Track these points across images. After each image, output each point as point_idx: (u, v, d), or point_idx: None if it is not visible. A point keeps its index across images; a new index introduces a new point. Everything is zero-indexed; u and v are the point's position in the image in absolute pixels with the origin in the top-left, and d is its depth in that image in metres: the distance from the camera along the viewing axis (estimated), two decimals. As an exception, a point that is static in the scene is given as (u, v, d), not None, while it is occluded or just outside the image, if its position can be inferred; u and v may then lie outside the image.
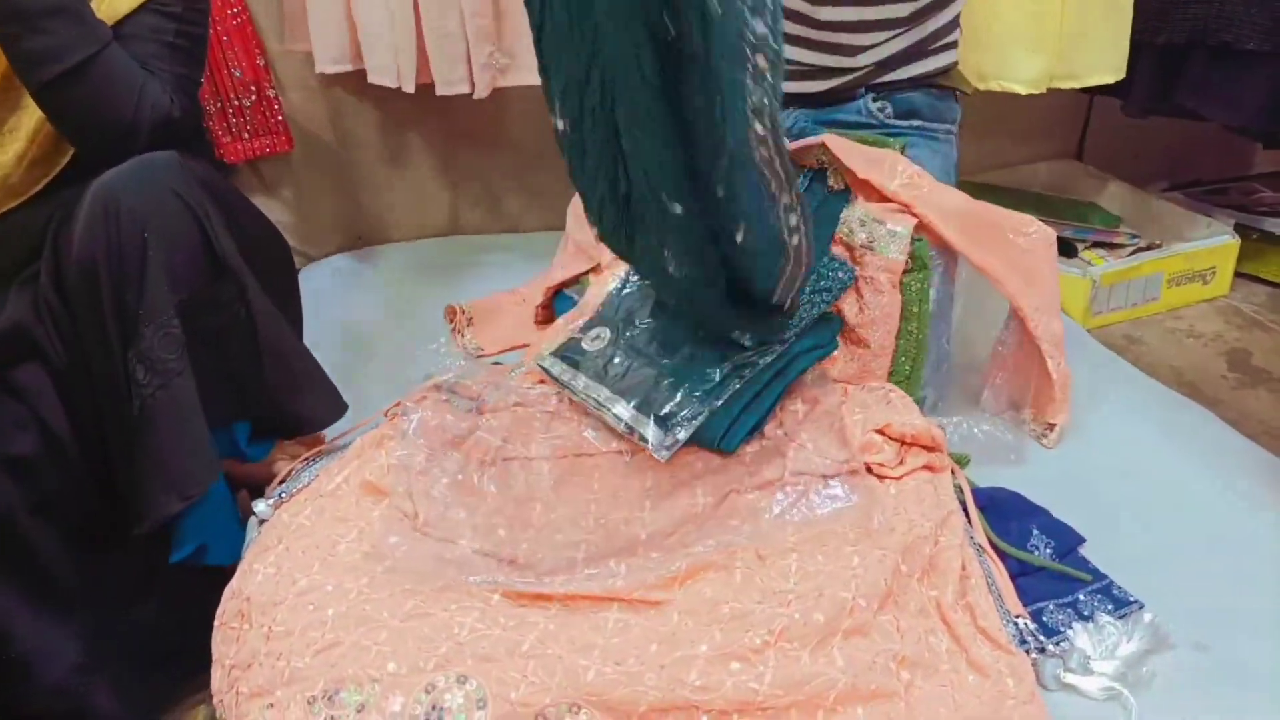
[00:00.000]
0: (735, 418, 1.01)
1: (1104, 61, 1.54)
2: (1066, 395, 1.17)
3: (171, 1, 1.04)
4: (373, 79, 1.53)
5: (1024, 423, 1.20)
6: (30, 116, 1.02)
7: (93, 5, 1.00)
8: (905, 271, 1.14)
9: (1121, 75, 1.53)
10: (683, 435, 0.99)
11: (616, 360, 1.08)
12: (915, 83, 1.28)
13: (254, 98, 1.53)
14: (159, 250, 0.93)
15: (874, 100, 1.27)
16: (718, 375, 1.02)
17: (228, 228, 0.99)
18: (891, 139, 1.22)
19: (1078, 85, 1.57)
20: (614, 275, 1.22)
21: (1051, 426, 1.17)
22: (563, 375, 1.10)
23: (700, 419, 1.00)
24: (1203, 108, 1.59)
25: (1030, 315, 1.14)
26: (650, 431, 1.00)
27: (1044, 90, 1.52)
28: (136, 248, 0.92)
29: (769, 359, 1.04)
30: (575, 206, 1.42)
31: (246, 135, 1.55)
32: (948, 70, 1.30)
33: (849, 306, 1.15)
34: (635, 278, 1.18)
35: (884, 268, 1.13)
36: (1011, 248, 1.16)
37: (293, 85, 1.61)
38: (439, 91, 1.53)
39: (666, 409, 1.01)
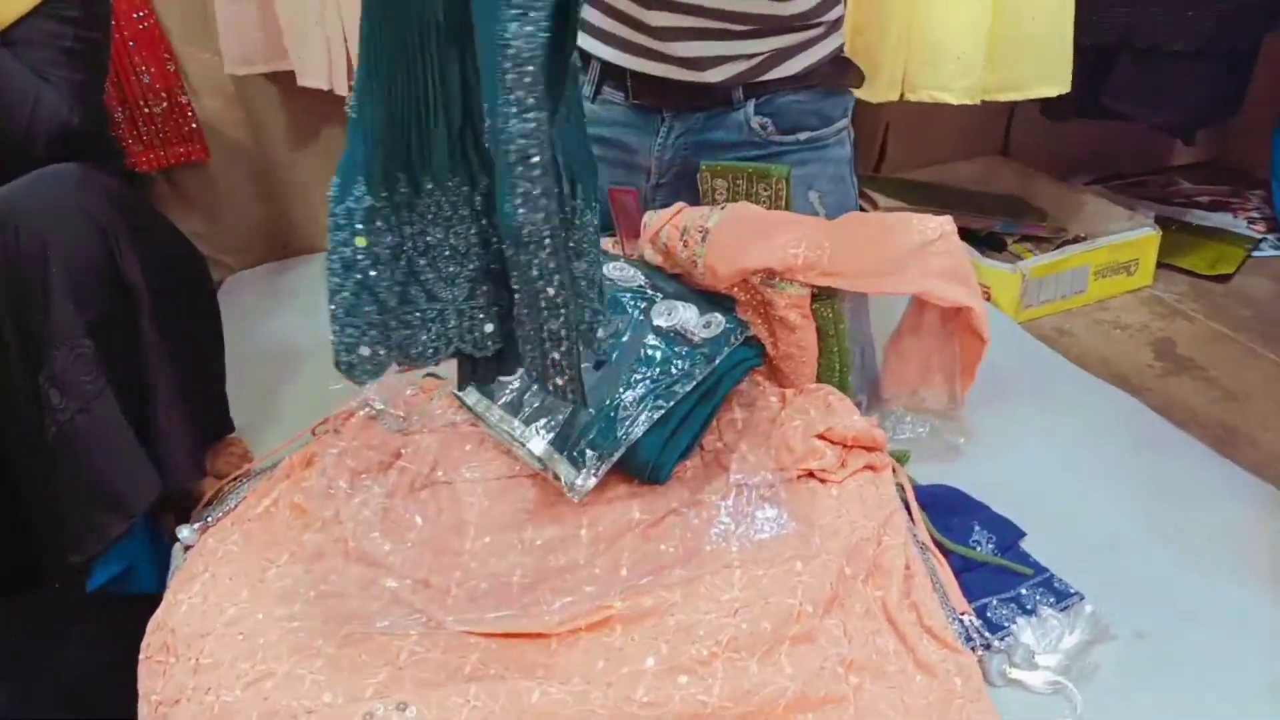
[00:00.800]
0: (664, 445, 0.99)
1: (1048, 73, 1.49)
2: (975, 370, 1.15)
3: (67, 5, 0.98)
4: (303, 82, 1.48)
5: (924, 403, 1.18)
6: None
7: None
8: (814, 299, 1.10)
9: (1066, 88, 1.49)
10: (596, 478, 0.97)
11: (533, 390, 1.05)
12: (798, 82, 1.20)
13: (165, 104, 1.47)
14: (61, 268, 0.88)
15: (755, 115, 1.21)
16: (635, 405, 1.00)
17: (134, 245, 0.94)
18: (773, 167, 1.16)
19: (1019, 97, 1.53)
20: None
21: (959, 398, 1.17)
22: (477, 405, 1.07)
23: (617, 455, 0.98)
24: (1131, 110, 1.63)
25: (976, 308, 1.09)
26: (564, 470, 0.98)
27: (978, 101, 1.50)
28: (38, 266, 0.87)
29: (691, 385, 1.01)
30: None
31: (159, 144, 1.48)
32: (834, 58, 1.22)
33: (767, 344, 1.12)
34: None
35: (792, 305, 1.09)
36: (931, 258, 1.09)
37: (206, 90, 1.54)
38: None
39: (581, 445, 0.99)
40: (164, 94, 1.47)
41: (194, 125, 1.51)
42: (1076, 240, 1.69)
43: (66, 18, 1.00)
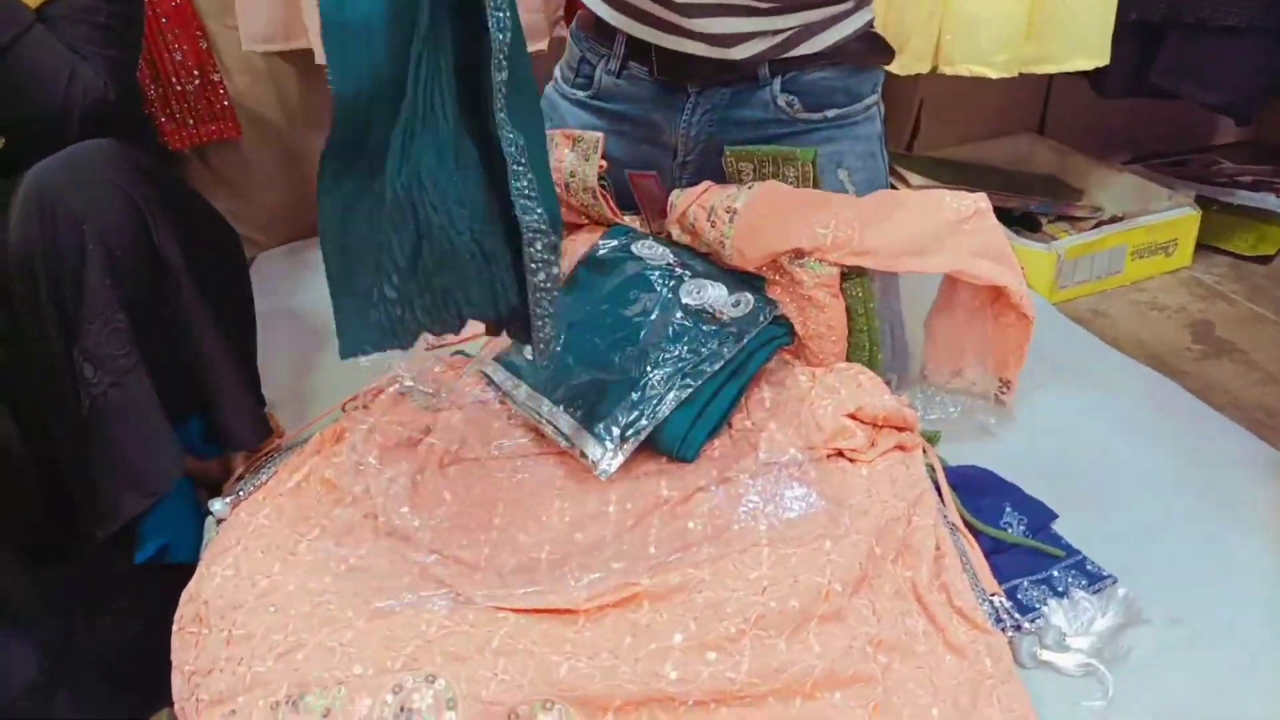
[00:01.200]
0: (692, 423, 0.99)
1: (1084, 45, 1.46)
2: (1025, 352, 1.13)
3: None
4: (321, 60, 1.48)
5: (972, 385, 1.18)
6: None
7: None
8: (844, 278, 1.08)
9: (1105, 60, 1.47)
10: (623, 456, 0.97)
11: (563, 369, 1.04)
12: (825, 58, 1.18)
13: (197, 82, 1.48)
14: (98, 245, 0.89)
15: (781, 93, 1.19)
16: (663, 385, 1.00)
17: (170, 221, 0.95)
18: (799, 150, 1.14)
19: (1054, 70, 1.50)
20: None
21: (1008, 383, 1.16)
22: (505, 383, 1.08)
23: (644, 434, 0.98)
24: (1179, 88, 1.59)
25: (1012, 286, 1.08)
26: (591, 449, 0.98)
27: (1016, 74, 1.47)
28: (74, 243, 0.88)
29: (719, 364, 1.01)
30: None
31: (191, 122, 1.49)
32: (864, 34, 1.19)
33: (796, 323, 1.10)
34: (586, 279, 1.15)
35: (821, 284, 1.07)
36: (965, 235, 1.07)
37: (238, 68, 1.55)
38: None
39: (607, 423, 0.99)
40: (196, 71, 1.48)
41: (226, 103, 1.52)
42: (1114, 220, 1.66)
43: None
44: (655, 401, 0.98)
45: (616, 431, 0.98)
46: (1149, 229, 1.62)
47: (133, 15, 1.06)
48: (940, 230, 1.07)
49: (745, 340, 1.02)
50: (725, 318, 1.04)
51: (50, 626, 0.96)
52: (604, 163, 1.20)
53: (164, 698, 0.93)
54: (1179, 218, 1.64)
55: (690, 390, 0.98)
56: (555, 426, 1.01)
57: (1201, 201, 1.71)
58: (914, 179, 1.81)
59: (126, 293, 0.92)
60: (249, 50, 1.51)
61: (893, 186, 1.60)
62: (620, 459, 0.97)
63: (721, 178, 1.19)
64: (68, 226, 0.88)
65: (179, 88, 1.47)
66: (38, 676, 0.94)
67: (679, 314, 1.04)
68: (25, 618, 0.95)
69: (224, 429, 1.03)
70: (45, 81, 0.94)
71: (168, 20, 1.44)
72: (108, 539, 0.96)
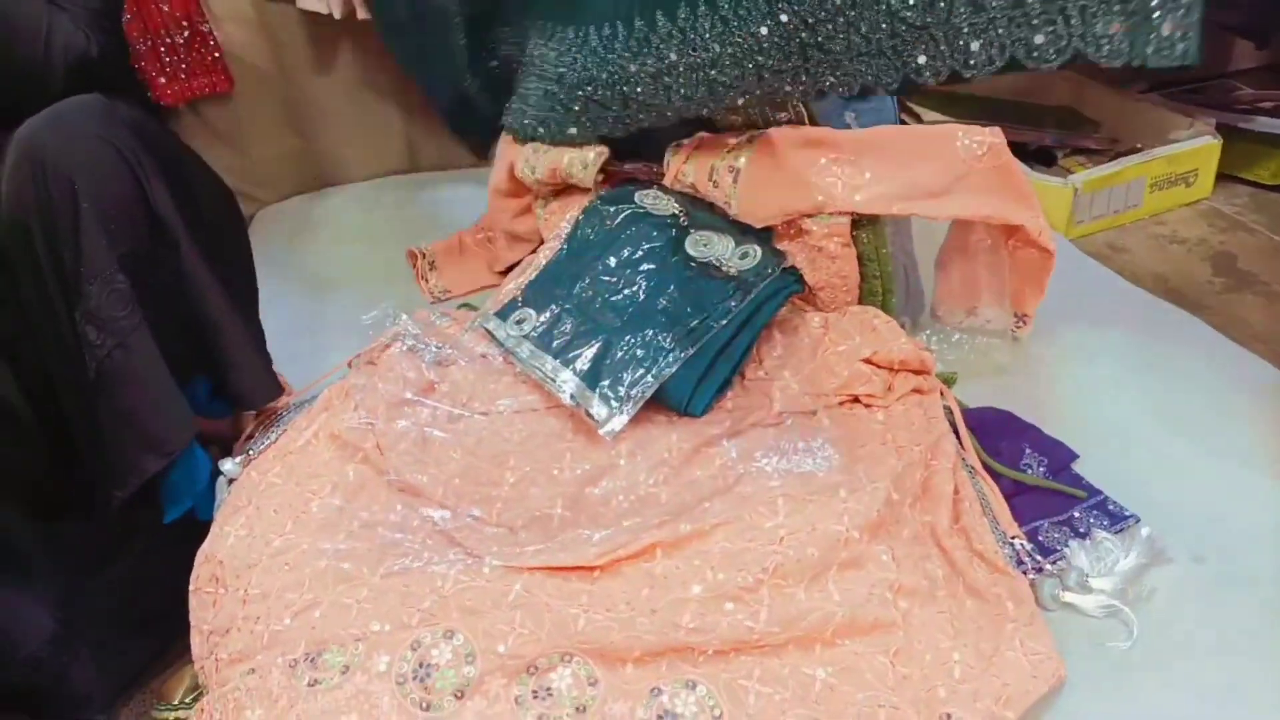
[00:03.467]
0: (700, 379, 0.97)
1: None
2: (1044, 285, 1.11)
3: None
4: (303, 3, 1.45)
5: (987, 323, 1.15)
6: None
7: None
8: (854, 225, 1.06)
9: None
10: (628, 415, 0.95)
11: (565, 325, 1.03)
12: None
13: (187, 33, 1.43)
14: (91, 203, 0.86)
15: None
16: (669, 341, 0.98)
17: (164, 177, 0.92)
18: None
19: None
20: (559, 233, 1.16)
21: (1025, 317, 1.13)
22: (508, 340, 1.06)
23: (648, 391, 0.96)
24: (1201, 11, 1.53)
25: (1032, 227, 1.05)
26: (595, 408, 0.97)
27: None
28: (67, 202, 0.85)
29: (725, 320, 0.99)
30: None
31: (183, 75, 1.46)
32: None
33: (806, 274, 1.08)
34: (590, 231, 1.12)
35: (830, 234, 1.05)
36: (977, 175, 1.03)
37: (228, 17, 1.51)
38: (359, 15, 1.44)
39: (612, 381, 0.97)
40: (185, 23, 1.44)
41: (217, 55, 1.48)
42: (1132, 151, 1.61)
43: None
44: (661, 358, 0.96)
45: (621, 390, 0.96)
46: (1168, 159, 1.57)
47: None
48: (954, 170, 1.03)
49: (753, 293, 1.00)
50: (732, 270, 1.01)
51: (64, 579, 0.97)
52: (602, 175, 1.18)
53: (178, 658, 0.94)
54: (1199, 147, 1.59)
55: (694, 348, 0.96)
56: (559, 385, 0.99)
57: (1221, 129, 1.66)
58: (926, 115, 1.76)
59: (124, 253, 0.90)
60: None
61: (903, 123, 1.55)
62: (625, 418, 0.95)
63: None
64: (60, 186, 0.85)
65: (168, 40, 1.43)
66: (55, 628, 0.94)
67: (685, 267, 1.02)
68: (38, 572, 0.95)
69: (233, 388, 1.01)
70: (22, 35, 0.90)
71: (153, -31, 1.39)
72: (127, 500, 0.96)
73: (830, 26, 0.90)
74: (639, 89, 1.06)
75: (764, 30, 0.93)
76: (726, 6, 0.95)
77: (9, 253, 0.90)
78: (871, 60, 0.91)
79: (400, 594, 0.81)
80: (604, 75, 1.07)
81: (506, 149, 1.28)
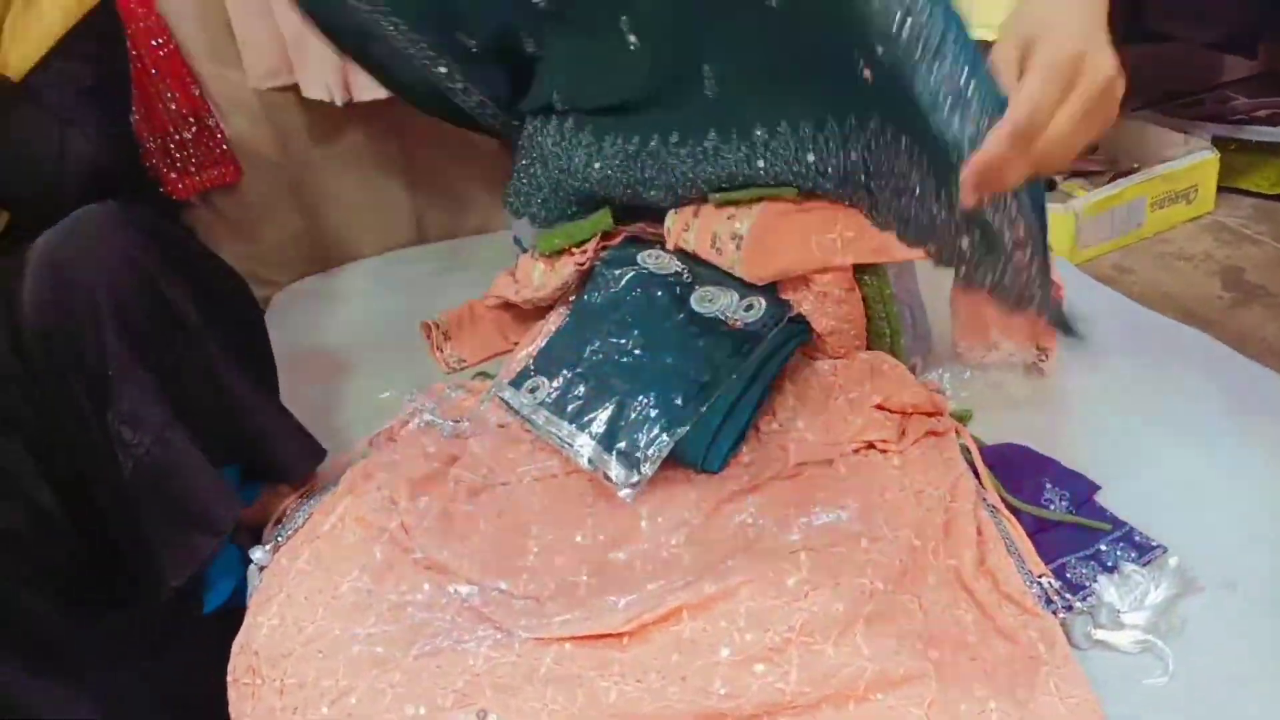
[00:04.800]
0: (715, 435, 0.98)
1: None
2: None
3: (83, 44, 0.98)
4: (308, 93, 1.49)
5: (1010, 357, 1.16)
6: None
7: None
8: (857, 270, 1.06)
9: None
10: (647, 471, 0.96)
11: (579, 389, 1.04)
12: None
13: (194, 129, 1.48)
14: (112, 309, 0.89)
15: None
16: (681, 399, 0.99)
17: (179, 276, 0.95)
18: (784, 189, 1.05)
19: None
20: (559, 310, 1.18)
21: (1046, 351, 1.13)
22: (522, 409, 1.07)
23: (665, 450, 0.97)
24: (1176, 28, 1.55)
25: None
26: (613, 470, 0.98)
27: None
28: (90, 312, 0.88)
29: (733, 375, 1.00)
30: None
31: (193, 169, 1.50)
32: None
33: (812, 320, 1.08)
34: (596, 295, 1.14)
35: (835, 281, 1.05)
36: None
37: (233, 109, 1.55)
38: (358, 98, 1.48)
39: (628, 443, 0.98)
40: (192, 119, 1.48)
41: (224, 147, 1.53)
42: (1130, 172, 1.62)
43: (84, 55, 1.00)
44: (675, 417, 0.97)
45: (638, 451, 0.97)
46: (1167, 177, 1.58)
47: (119, 73, 1.05)
48: None
49: (761, 345, 1.01)
50: (739, 324, 1.02)
51: (108, 673, 0.98)
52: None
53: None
54: (1197, 163, 1.60)
55: (706, 405, 0.97)
56: (576, 450, 1.00)
57: (1218, 142, 1.67)
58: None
59: (148, 352, 0.93)
60: (255, 88, 1.51)
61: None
62: (642, 479, 0.96)
63: None
64: (81, 297, 0.88)
65: (177, 136, 1.47)
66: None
67: (692, 324, 1.03)
68: (80, 666, 0.96)
69: (275, 461, 1.03)
70: (37, 156, 0.94)
71: (157, 70, 1.44)
72: (159, 593, 0.97)
73: None
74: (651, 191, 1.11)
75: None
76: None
77: (35, 363, 0.92)
78: None
79: (433, 674, 0.82)
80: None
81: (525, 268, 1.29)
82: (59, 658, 0.95)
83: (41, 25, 0.96)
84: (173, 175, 1.49)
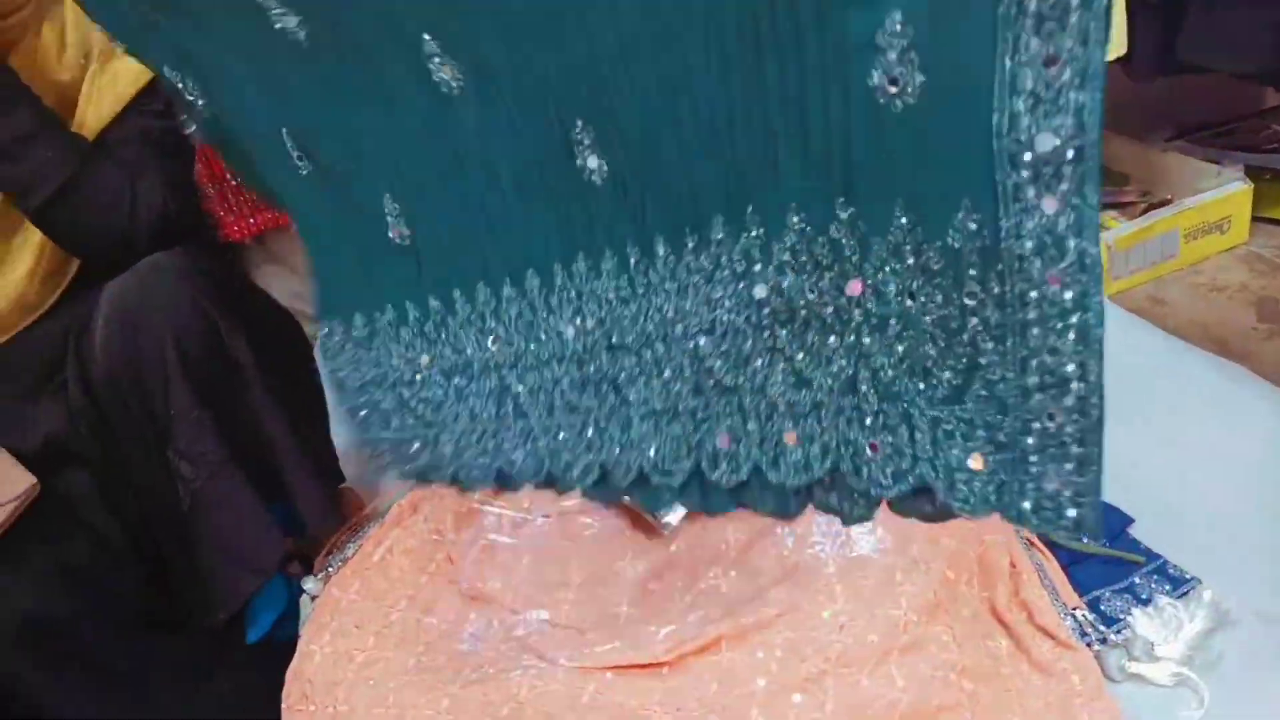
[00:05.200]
0: None
1: None
2: None
3: (152, 100, 1.04)
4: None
5: None
6: (34, 234, 1.03)
7: (77, 116, 1.01)
8: None
9: (1122, 51, 1.46)
10: (683, 507, 0.95)
11: None
12: None
13: (251, 176, 1.54)
14: (177, 353, 0.94)
15: None
16: None
17: (237, 321, 1.00)
18: None
19: None
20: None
21: None
22: None
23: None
24: (1210, 61, 1.56)
25: None
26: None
27: None
28: (157, 356, 0.93)
29: None
30: None
31: (247, 212, 1.56)
32: None
33: None
34: None
35: None
36: None
37: (288, 155, 1.62)
38: None
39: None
40: (247, 166, 1.55)
41: (278, 191, 1.59)
42: (1163, 203, 1.63)
43: (154, 111, 1.05)
44: None
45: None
46: (1200, 209, 1.58)
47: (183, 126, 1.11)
48: None
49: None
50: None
51: (165, 695, 1.02)
52: None
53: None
54: (1231, 193, 1.60)
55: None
56: None
57: (1252, 172, 1.67)
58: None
59: (206, 393, 0.98)
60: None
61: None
62: (682, 511, 0.99)
63: None
64: (150, 344, 0.93)
65: (234, 182, 1.54)
66: None
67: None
68: (137, 689, 1.00)
69: (297, 515, 1.07)
70: (109, 208, 0.99)
71: (217, 120, 1.51)
72: (207, 625, 1.01)
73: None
74: None
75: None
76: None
77: (103, 403, 0.98)
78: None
79: (480, 703, 0.85)
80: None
81: None
82: (121, 687, 1.00)
83: (116, 88, 1.02)
84: (230, 219, 1.56)
